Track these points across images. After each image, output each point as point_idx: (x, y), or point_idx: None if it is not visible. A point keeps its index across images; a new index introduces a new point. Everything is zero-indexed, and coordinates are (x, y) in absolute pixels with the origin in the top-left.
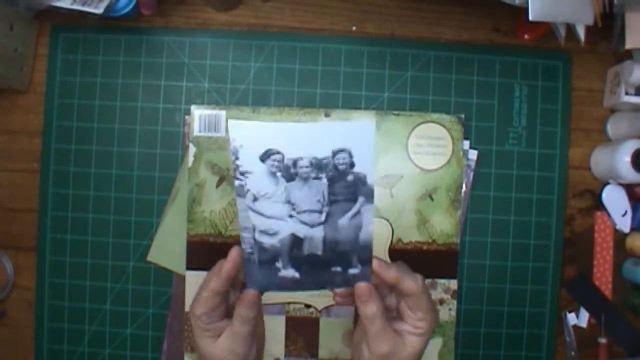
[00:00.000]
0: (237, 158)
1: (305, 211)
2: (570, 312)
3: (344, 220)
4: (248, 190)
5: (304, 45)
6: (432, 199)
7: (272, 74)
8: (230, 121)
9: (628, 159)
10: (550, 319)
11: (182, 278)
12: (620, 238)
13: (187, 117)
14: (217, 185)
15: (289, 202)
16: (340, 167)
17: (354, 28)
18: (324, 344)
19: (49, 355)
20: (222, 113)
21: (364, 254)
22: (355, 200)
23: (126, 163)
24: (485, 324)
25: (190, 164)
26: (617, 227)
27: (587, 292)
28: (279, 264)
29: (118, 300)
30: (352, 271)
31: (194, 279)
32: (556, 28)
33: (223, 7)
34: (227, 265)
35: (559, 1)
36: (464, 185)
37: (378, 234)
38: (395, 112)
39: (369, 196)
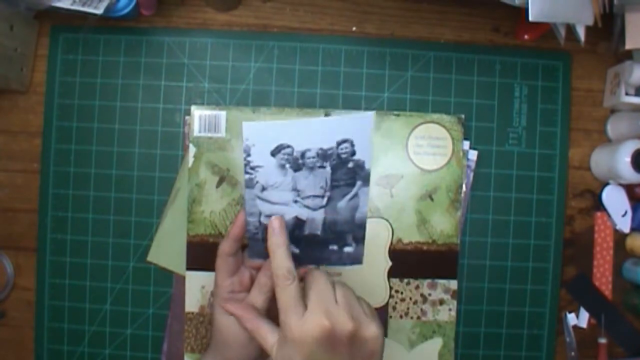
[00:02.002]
0: (248, 155)
1: (309, 197)
2: (570, 312)
3: (342, 202)
4: (257, 182)
5: (304, 45)
6: (432, 199)
7: (272, 74)
8: (244, 123)
9: (628, 159)
10: (550, 319)
11: (182, 278)
12: (620, 238)
13: (187, 117)
14: (217, 186)
15: (294, 189)
16: (343, 156)
17: (354, 28)
18: None
19: (49, 355)
20: (222, 113)
21: (359, 233)
22: (354, 185)
23: (126, 163)
24: (485, 324)
25: (190, 164)
26: (617, 227)
27: (587, 292)
28: None
29: (118, 300)
30: (347, 249)
31: (194, 279)
32: (556, 28)
33: (223, 8)
34: (234, 228)
35: (559, 1)
36: (464, 186)
37: (378, 234)
38: (395, 112)
39: (366, 180)
